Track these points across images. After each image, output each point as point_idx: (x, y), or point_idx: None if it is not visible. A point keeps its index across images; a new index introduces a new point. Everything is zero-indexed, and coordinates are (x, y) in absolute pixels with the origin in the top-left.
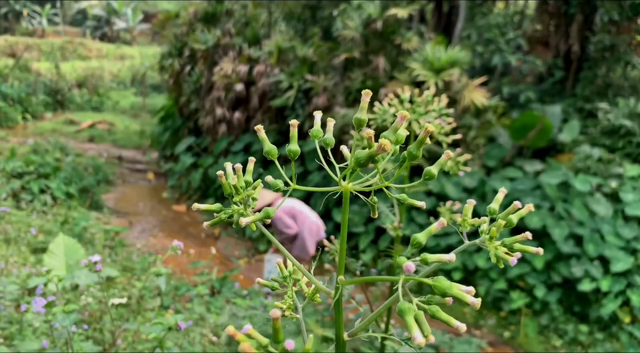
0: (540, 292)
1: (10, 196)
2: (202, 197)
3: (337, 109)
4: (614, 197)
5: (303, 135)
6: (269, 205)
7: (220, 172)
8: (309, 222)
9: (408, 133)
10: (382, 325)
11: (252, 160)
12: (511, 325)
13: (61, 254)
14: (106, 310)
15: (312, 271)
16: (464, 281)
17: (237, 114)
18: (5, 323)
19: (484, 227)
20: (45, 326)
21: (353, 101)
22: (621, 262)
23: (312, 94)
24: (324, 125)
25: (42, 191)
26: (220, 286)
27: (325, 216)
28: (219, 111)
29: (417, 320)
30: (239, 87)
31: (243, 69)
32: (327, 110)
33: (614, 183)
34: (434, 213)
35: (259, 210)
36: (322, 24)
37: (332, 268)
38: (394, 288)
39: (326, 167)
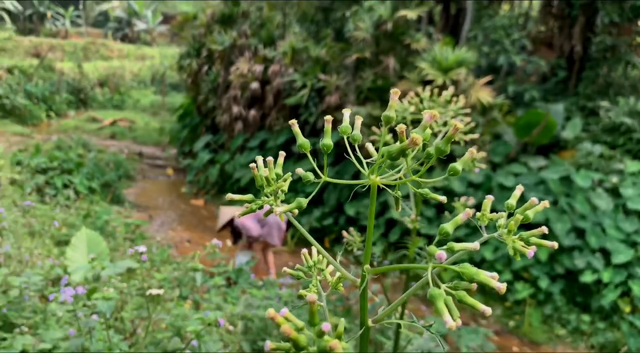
0: (544, 283)
1: (35, 191)
2: (219, 191)
3: (348, 107)
4: (614, 192)
5: (317, 132)
6: (232, 220)
7: (253, 165)
8: (273, 216)
9: (432, 131)
10: (397, 314)
11: (282, 154)
12: (516, 314)
13: (84, 247)
14: (127, 300)
15: (338, 261)
16: None
17: (252, 112)
18: (30, 313)
19: (502, 221)
20: (68, 315)
21: (364, 100)
22: (622, 254)
23: (324, 93)
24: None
25: (65, 186)
26: (237, 277)
27: (337, 210)
28: (235, 109)
29: (447, 306)
30: (255, 86)
31: (258, 68)
32: (339, 109)
33: (614, 179)
34: (440, 207)
35: (224, 227)
36: (335, 25)
37: (344, 260)
38: (423, 276)
39: (355, 162)
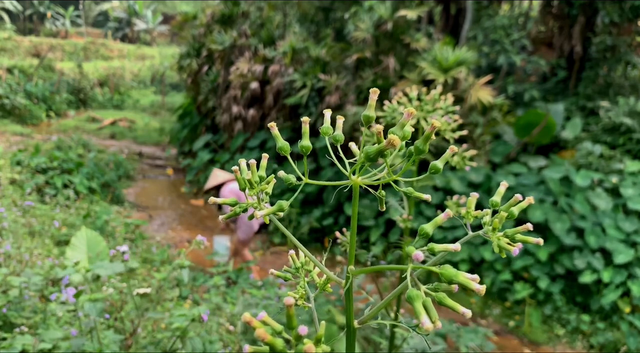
0: (543, 283)
1: (35, 191)
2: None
3: (348, 107)
4: (614, 192)
5: (316, 132)
6: (221, 184)
7: (235, 168)
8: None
9: (414, 129)
10: (392, 314)
11: (265, 156)
12: (516, 314)
13: (83, 247)
14: (127, 300)
15: (323, 262)
16: (470, 273)
17: (252, 112)
18: (30, 313)
19: (487, 218)
20: (68, 316)
21: (364, 99)
22: (622, 255)
23: (324, 93)
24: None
25: (65, 186)
26: (236, 277)
27: (337, 210)
28: (235, 109)
29: (425, 307)
30: (255, 86)
31: (258, 68)
32: (339, 109)
33: (614, 179)
34: (441, 207)
35: (212, 189)
36: (335, 25)
37: (343, 259)
38: (403, 276)
39: (336, 161)
